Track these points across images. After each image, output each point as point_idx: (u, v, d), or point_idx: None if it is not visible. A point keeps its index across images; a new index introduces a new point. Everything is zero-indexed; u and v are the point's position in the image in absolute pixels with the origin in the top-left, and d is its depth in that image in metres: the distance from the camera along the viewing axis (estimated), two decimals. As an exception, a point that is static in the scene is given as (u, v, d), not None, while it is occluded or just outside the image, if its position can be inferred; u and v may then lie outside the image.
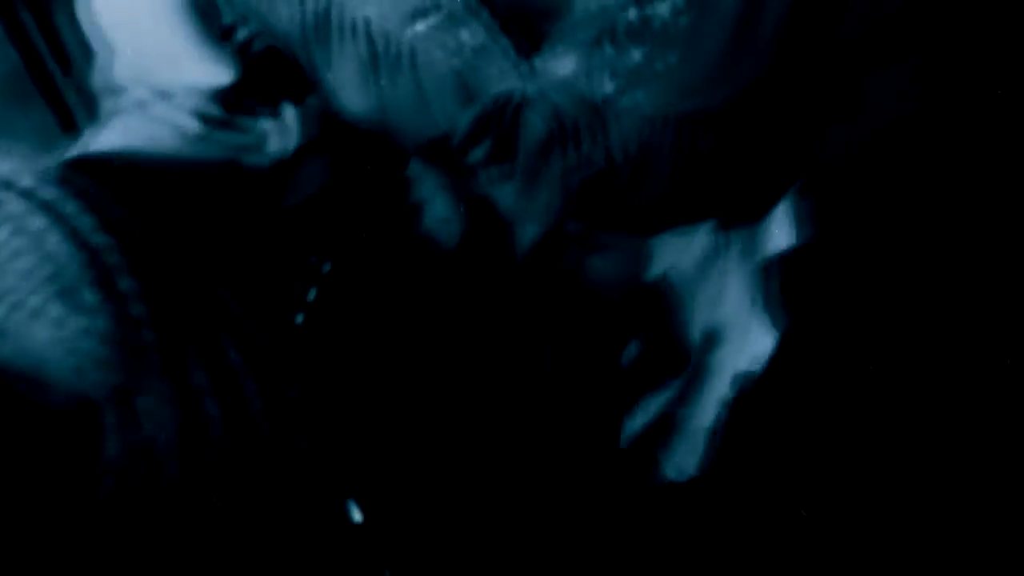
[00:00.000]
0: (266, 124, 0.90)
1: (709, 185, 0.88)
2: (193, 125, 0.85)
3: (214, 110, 0.86)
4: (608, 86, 0.79)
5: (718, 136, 0.82)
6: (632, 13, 0.76)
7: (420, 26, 0.78)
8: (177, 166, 0.83)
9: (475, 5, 0.77)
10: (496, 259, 0.96)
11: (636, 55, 0.77)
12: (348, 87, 0.84)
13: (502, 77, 0.80)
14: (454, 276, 0.98)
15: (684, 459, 1.06)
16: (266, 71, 0.88)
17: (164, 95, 0.85)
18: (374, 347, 0.98)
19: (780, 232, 0.98)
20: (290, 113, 0.91)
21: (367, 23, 0.79)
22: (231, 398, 0.71)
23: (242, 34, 0.87)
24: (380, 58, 0.80)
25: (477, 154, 0.85)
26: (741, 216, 0.99)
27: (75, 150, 0.83)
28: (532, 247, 0.94)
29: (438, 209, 0.98)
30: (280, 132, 0.91)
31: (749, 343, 1.02)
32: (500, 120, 0.82)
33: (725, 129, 0.82)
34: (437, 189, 0.98)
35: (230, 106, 0.87)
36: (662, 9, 0.75)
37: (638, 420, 1.06)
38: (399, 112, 0.83)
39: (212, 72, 0.85)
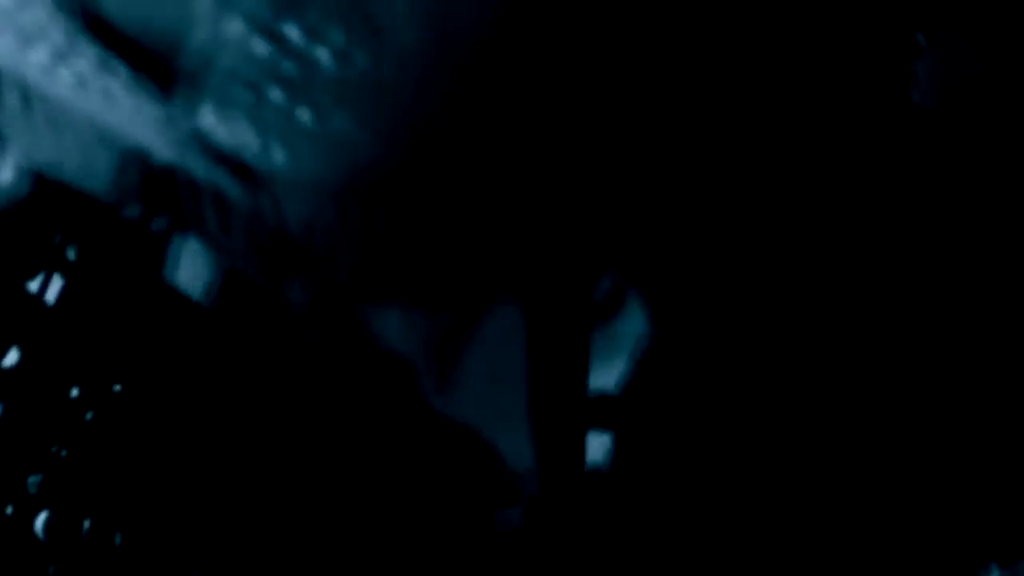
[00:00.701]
0: None
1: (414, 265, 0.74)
2: None
3: None
4: (278, 156, 0.65)
5: (404, 210, 0.69)
6: (289, 63, 0.62)
7: (34, 57, 0.64)
8: None
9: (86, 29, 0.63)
10: (262, 314, 0.84)
11: (303, 116, 0.63)
12: (19, 141, 0.71)
13: (159, 143, 0.67)
14: (214, 332, 0.86)
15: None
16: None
17: None
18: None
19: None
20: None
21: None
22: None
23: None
24: (33, 112, 0.67)
25: (157, 224, 0.73)
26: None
27: None
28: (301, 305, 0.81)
29: (187, 261, 0.85)
30: None
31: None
32: (165, 194, 0.69)
33: (412, 201, 0.69)
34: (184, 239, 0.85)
35: None
36: (322, 55, 0.61)
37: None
38: (66, 172, 0.70)
39: None
